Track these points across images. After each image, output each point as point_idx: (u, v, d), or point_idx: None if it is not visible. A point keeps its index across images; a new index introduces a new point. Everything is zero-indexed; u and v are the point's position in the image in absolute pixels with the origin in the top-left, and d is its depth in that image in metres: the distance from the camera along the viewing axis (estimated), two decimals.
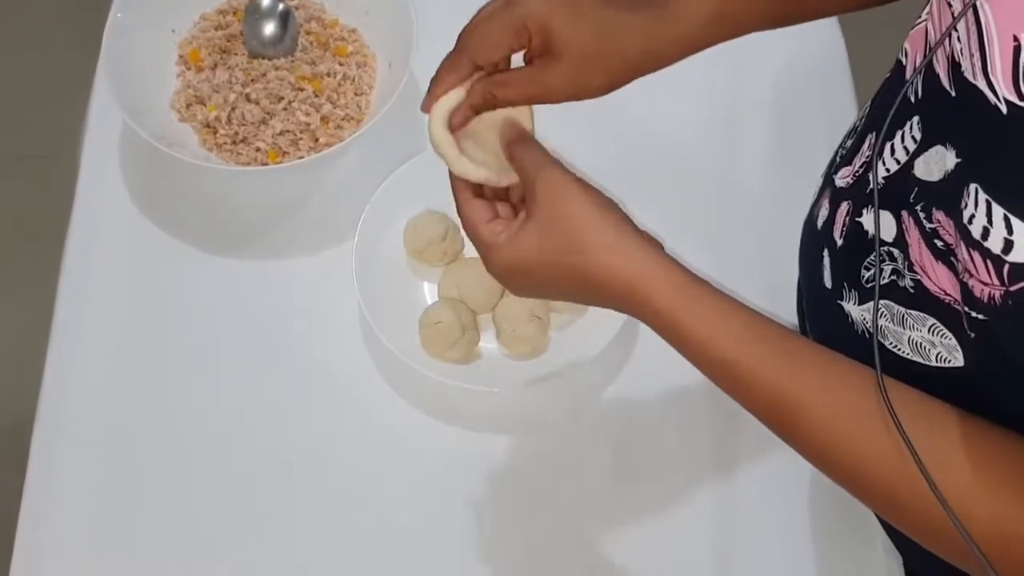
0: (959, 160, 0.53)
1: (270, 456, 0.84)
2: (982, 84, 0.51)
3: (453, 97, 0.65)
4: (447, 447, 0.84)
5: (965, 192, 0.50)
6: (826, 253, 0.73)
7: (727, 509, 0.83)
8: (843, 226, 0.70)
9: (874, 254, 0.63)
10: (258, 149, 0.92)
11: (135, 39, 0.93)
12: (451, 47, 1.00)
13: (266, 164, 0.92)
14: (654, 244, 0.60)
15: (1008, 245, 0.48)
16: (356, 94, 0.96)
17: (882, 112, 0.63)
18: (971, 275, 0.51)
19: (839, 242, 0.70)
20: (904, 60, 0.62)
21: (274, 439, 0.84)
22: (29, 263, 1.38)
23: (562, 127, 0.95)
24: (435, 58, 0.97)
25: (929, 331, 0.58)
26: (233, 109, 0.93)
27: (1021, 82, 0.48)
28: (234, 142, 0.93)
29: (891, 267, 0.62)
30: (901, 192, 0.59)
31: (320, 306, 0.89)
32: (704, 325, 0.58)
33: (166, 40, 0.97)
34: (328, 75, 0.95)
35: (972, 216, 0.50)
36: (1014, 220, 0.48)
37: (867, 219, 0.66)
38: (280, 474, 0.83)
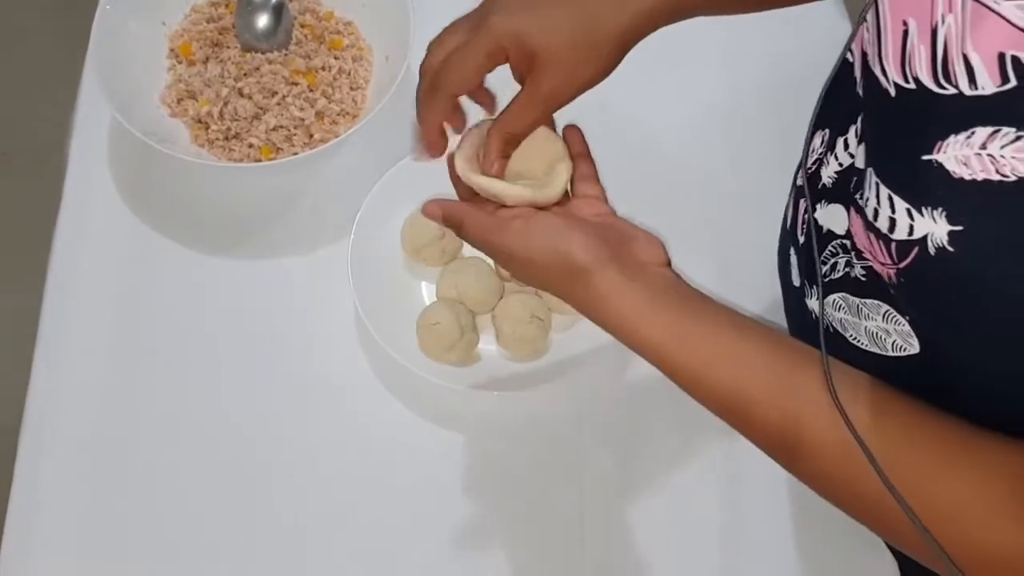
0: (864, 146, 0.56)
1: (264, 461, 0.83)
2: (878, 70, 0.53)
3: (467, 146, 0.68)
4: (445, 451, 0.84)
5: (866, 177, 0.53)
6: (792, 251, 0.74)
7: (730, 512, 0.83)
8: (802, 223, 0.72)
9: (819, 244, 0.65)
10: (251, 145, 0.91)
11: (124, 32, 0.92)
12: None
13: (259, 160, 0.91)
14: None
15: (892, 224, 0.51)
16: (352, 88, 0.95)
17: (829, 109, 0.66)
18: (874, 258, 0.54)
19: (801, 240, 0.72)
20: (851, 58, 0.63)
21: (267, 444, 0.83)
22: (15, 262, 1.37)
23: (565, 122, 0.95)
24: None
25: (883, 318, 0.59)
26: (225, 104, 0.92)
27: (906, 64, 0.51)
28: (226, 138, 0.92)
29: (844, 259, 0.63)
30: (849, 185, 0.61)
31: (315, 306, 0.88)
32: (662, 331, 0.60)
33: (156, 33, 0.96)
34: (323, 69, 0.94)
35: (867, 199, 0.53)
36: (896, 199, 0.50)
37: (820, 214, 0.68)
38: (275, 478, 0.82)
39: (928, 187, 0.49)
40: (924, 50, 0.50)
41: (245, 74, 0.93)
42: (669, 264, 0.64)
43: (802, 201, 0.72)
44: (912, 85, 0.51)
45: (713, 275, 0.84)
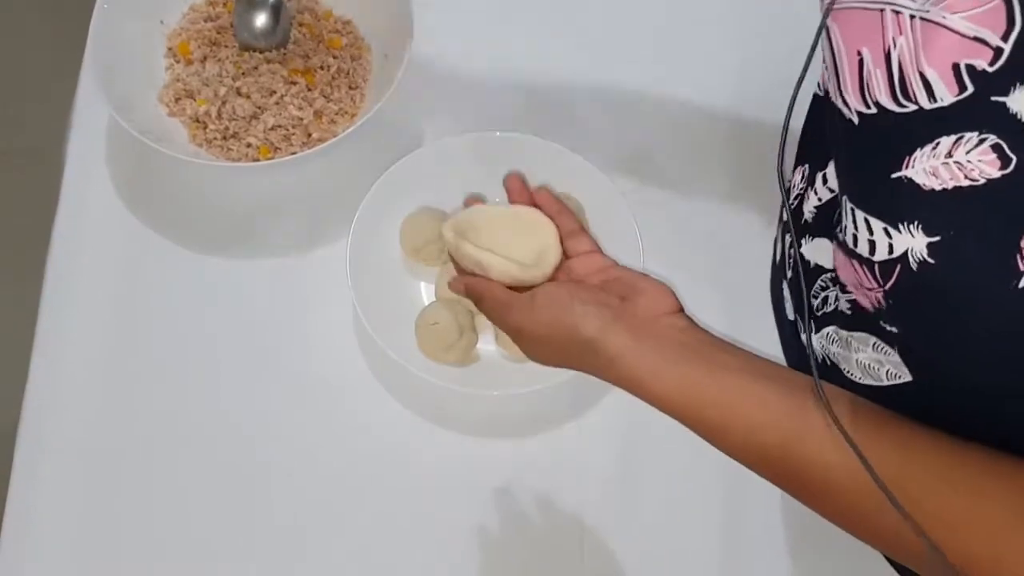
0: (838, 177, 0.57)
1: (262, 460, 0.83)
2: (840, 103, 0.55)
3: (458, 218, 0.71)
4: (444, 452, 0.83)
5: (842, 204, 0.54)
6: (784, 286, 0.75)
7: (733, 515, 0.82)
8: (789, 259, 0.73)
9: (809, 278, 0.66)
10: (249, 144, 0.91)
11: (122, 30, 0.91)
12: (449, 38, 1.00)
13: (257, 160, 0.90)
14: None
15: (872, 246, 0.52)
16: (350, 88, 0.94)
17: (807, 145, 0.67)
18: (860, 286, 0.55)
19: (789, 274, 0.73)
20: (821, 92, 0.65)
21: (265, 444, 0.83)
22: (12, 261, 1.36)
23: (566, 125, 0.95)
24: (433, 49, 0.97)
25: (873, 349, 0.59)
26: (223, 103, 0.91)
27: (865, 92, 0.53)
28: (224, 137, 0.91)
29: (834, 292, 0.64)
30: (831, 219, 0.62)
31: (313, 306, 0.88)
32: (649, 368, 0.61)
33: (154, 32, 0.96)
34: (321, 68, 0.94)
35: (845, 226, 0.54)
36: (872, 221, 0.51)
37: (807, 249, 0.69)
38: (273, 479, 0.82)
39: (902, 203, 0.50)
40: (881, 74, 0.52)
41: (243, 73, 0.93)
42: (681, 310, 0.64)
43: (787, 236, 0.73)
44: (873, 110, 0.53)
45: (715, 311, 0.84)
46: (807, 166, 0.69)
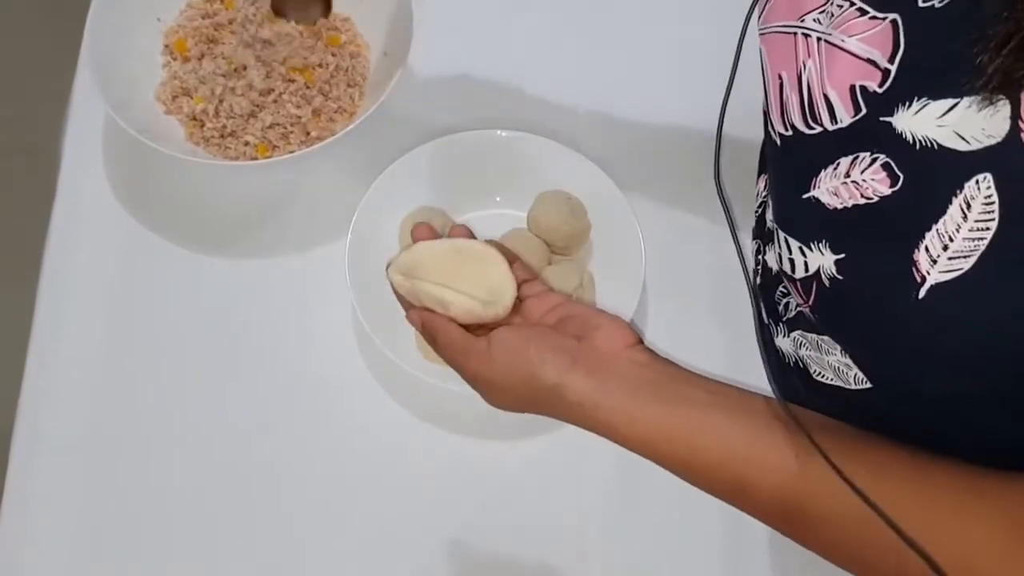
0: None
1: (260, 461, 0.82)
2: (769, 126, 0.57)
3: (403, 258, 0.70)
4: (443, 453, 0.83)
5: (773, 228, 0.56)
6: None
7: (734, 516, 0.81)
8: (755, 264, 0.75)
9: (773, 284, 0.67)
10: (247, 143, 0.90)
11: (119, 27, 0.91)
12: (449, 35, 0.99)
13: (255, 158, 0.90)
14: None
15: (792, 265, 0.54)
16: (349, 86, 0.94)
17: (765, 155, 0.70)
18: (799, 302, 0.56)
19: (758, 280, 0.74)
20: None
21: (263, 443, 0.83)
22: (8, 260, 1.36)
23: (567, 123, 0.94)
24: (433, 47, 0.96)
25: (842, 353, 0.59)
26: (220, 101, 0.91)
27: (784, 115, 0.55)
28: (222, 135, 0.91)
29: (795, 300, 0.65)
30: None
31: (311, 306, 0.87)
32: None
33: (151, 29, 0.95)
34: (320, 66, 0.93)
35: (776, 248, 0.56)
36: (790, 240, 0.53)
37: (770, 255, 0.70)
38: (271, 479, 0.82)
39: (811, 223, 0.52)
40: (795, 98, 0.54)
41: (241, 71, 0.92)
42: (640, 342, 0.64)
43: (752, 242, 0.75)
44: (790, 132, 0.55)
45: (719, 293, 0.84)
46: (767, 176, 0.70)
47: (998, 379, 0.48)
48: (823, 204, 0.52)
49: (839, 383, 0.60)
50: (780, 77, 0.56)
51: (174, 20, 0.96)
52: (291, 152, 0.89)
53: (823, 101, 0.52)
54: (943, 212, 0.47)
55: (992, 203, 0.45)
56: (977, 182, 0.46)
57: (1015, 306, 0.45)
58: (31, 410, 0.83)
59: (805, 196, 0.53)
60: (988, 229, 0.46)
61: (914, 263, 0.47)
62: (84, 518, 0.80)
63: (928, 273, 0.47)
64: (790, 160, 0.56)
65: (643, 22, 1.01)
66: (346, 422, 0.84)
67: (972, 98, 0.46)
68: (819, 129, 0.53)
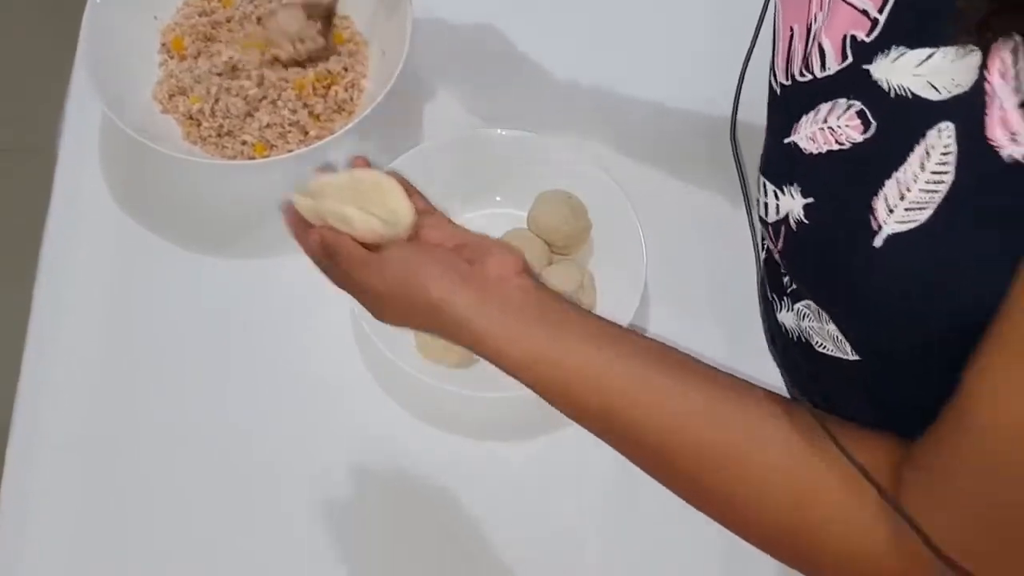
0: None
1: (259, 461, 0.82)
2: (771, 77, 0.58)
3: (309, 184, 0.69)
4: (444, 453, 0.82)
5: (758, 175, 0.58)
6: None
7: None
8: (762, 238, 0.75)
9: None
10: (244, 142, 0.90)
11: (116, 25, 0.90)
12: (448, 33, 0.99)
13: (253, 158, 0.89)
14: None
15: (766, 208, 0.55)
16: (347, 85, 0.93)
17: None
18: (772, 247, 0.58)
19: (764, 255, 0.75)
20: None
21: (262, 444, 0.82)
22: (4, 261, 1.35)
23: (567, 122, 0.94)
24: (432, 45, 0.95)
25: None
26: (216, 101, 0.90)
27: (789, 65, 0.56)
28: (219, 135, 0.90)
29: None
30: None
31: (311, 306, 0.87)
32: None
33: (148, 27, 0.95)
34: (319, 64, 0.93)
35: (759, 196, 0.57)
36: (767, 183, 0.55)
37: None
38: (270, 480, 0.81)
39: (787, 166, 0.54)
40: (800, 47, 0.55)
41: (238, 69, 0.92)
42: (528, 272, 0.64)
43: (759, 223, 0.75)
44: (788, 81, 0.56)
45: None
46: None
47: (950, 339, 0.48)
48: (800, 149, 0.53)
49: (838, 354, 0.60)
50: (791, 29, 0.56)
51: (171, 18, 0.96)
52: (289, 152, 0.89)
53: (817, 49, 0.54)
54: (903, 161, 0.48)
55: (950, 153, 0.46)
56: (939, 131, 0.46)
57: (964, 262, 0.45)
58: (29, 409, 0.82)
59: (786, 141, 0.54)
60: (943, 182, 0.46)
61: (872, 211, 0.48)
62: (82, 516, 0.79)
63: (885, 223, 0.48)
64: (782, 107, 0.57)
65: (643, 22, 1.01)
66: (346, 422, 0.83)
67: (949, 48, 0.47)
68: (809, 77, 0.54)
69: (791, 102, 0.55)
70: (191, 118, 0.91)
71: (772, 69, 0.58)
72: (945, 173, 0.46)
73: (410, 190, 0.69)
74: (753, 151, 0.89)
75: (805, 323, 0.64)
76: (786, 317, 0.68)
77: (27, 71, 1.79)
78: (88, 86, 0.86)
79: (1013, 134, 0.44)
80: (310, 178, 0.78)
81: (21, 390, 0.83)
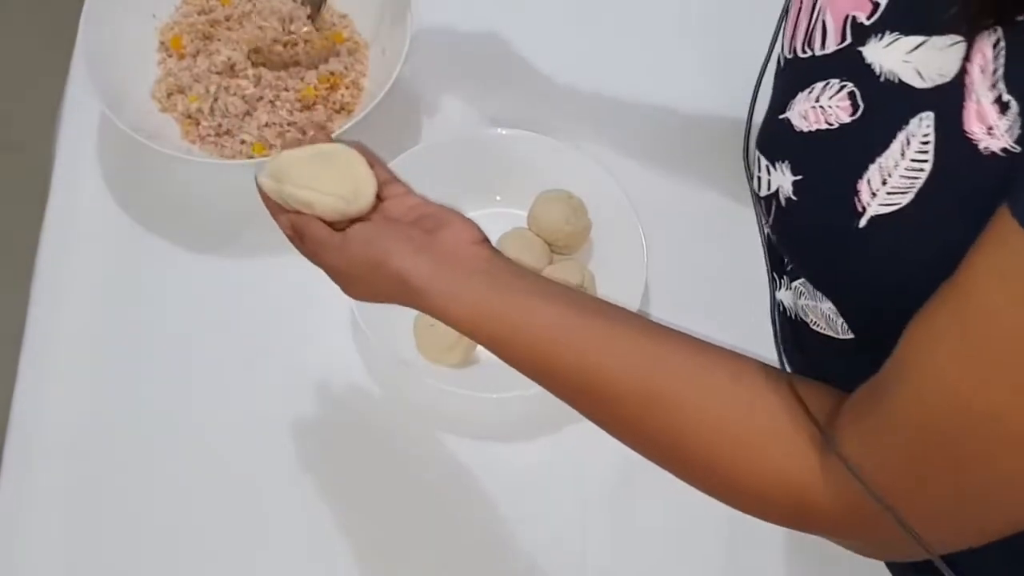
0: None
1: (258, 463, 0.82)
2: (779, 48, 0.59)
3: (272, 165, 0.70)
4: (444, 454, 0.82)
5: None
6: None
7: (735, 517, 0.81)
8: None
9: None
10: (243, 142, 0.90)
11: (114, 24, 0.90)
12: (448, 33, 0.99)
13: (252, 157, 0.89)
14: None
15: (759, 182, 0.56)
16: (347, 84, 0.93)
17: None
18: (762, 221, 0.59)
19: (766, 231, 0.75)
20: None
21: (262, 445, 0.82)
22: (1, 259, 1.35)
23: (567, 122, 0.94)
24: (432, 44, 0.95)
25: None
26: (215, 100, 0.90)
27: (794, 39, 0.57)
28: (217, 134, 0.90)
29: None
30: None
31: (310, 306, 0.87)
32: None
33: (147, 25, 0.95)
34: (316, 62, 0.93)
35: (755, 169, 0.58)
36: (761, 157, 0.56)
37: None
38: (269, 481, 0.81)
39: (780, 142, 0.55)
40: (806, 23, 0.56)
41: (236, 68, 0.92)
42: (486, 242, 0.66)
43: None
44: (791, 55, 0.57)
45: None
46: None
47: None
48: (792, 126, 0.54)
49: (829, 332, 0.61)
50: (801, 2, 0.57)
51: (169, 17, 0.96)
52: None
53: (820, 26, 0.55)
54: (886, 147, 0.49)
55: (928, 142, 0.47)
56: (920, 119, 0.48)
57: (943, 246, 0.46)
58: (25, 410, 0.82)
59: (781, 117, 0.55)
60: (923, 170, 0.47)
61: (856, 193, 0.49)
62: (80, 516, 0.79)
63: (868, 205, 0.49)
64: (782, 82, 0.58)
65: (643, 21, 1.01)
66: (346, 422, 0.83)
67: (939, 38, 0.48)
68: (810, 54, 0.55)
69: (791, 77, 0.56)
70: (189, 117, 0.91)
71: (782, 38, 0.59)
72: (925, 162, 0.47)
73: (371, 160, 0.71)
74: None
75: (801, 301, 0.65)
76: (784, 295, 0.69)
77: (25, 69, 1.79)
78: (86, 85, 0.86)
79: (989, 128, 0.45)
80: (275, 156, 0.79)
81: (18, 389, 0.83)
